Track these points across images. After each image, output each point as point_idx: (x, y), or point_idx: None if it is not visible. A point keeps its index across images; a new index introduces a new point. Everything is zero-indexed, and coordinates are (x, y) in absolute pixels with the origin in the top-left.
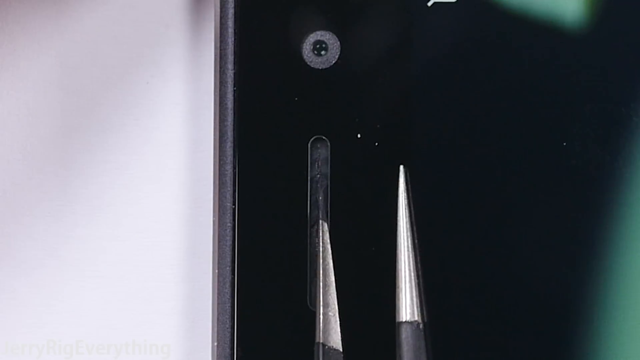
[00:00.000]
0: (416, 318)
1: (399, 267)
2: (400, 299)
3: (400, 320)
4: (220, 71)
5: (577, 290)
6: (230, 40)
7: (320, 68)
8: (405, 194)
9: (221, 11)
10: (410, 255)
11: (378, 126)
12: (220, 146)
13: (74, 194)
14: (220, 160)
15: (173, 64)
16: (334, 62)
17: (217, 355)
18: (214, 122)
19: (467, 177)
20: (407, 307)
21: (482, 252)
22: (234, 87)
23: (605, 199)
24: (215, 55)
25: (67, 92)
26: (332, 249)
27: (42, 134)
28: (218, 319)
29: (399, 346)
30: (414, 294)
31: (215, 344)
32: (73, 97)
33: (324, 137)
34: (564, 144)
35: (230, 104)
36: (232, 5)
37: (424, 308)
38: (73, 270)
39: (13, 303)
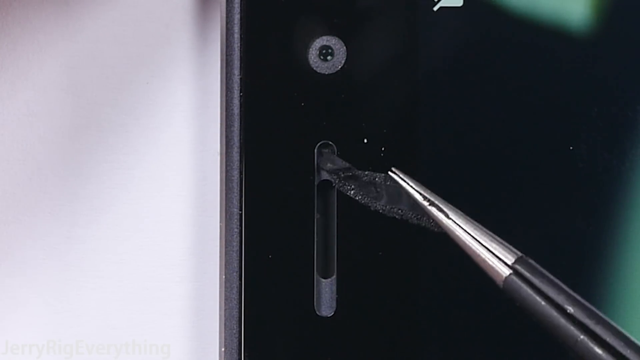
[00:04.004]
0: (508, 270)
1: (461, 240)
2: (486, 263)
3: (502, 278)
4: (226, 77)
5: (585, 294)
6: (237, 45)
7: (326, 73)
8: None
9: (227, 17)
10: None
11: (384, 131)
12: (226, 151)
13: (74, 194)
14: (226, 165)
15: (173, 64)
16: (340, 67)
17: None
18: (220, 128)
19: (474, 181)
20: (497, 264)
21: None
22: (240, 92)
23: (612, 202)
24: (221, 60)
25: (67, 92)
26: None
27: (42, 134)
28: (225, 324)
29: (516, 300)
30: (495, 248)
31: (223, 349)
32: (73, 97)
33: (330, 142)
34: (571, 147)
35: (236, 109)
36: (238, 11)
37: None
38: (73, 270)
39: (13, 303)
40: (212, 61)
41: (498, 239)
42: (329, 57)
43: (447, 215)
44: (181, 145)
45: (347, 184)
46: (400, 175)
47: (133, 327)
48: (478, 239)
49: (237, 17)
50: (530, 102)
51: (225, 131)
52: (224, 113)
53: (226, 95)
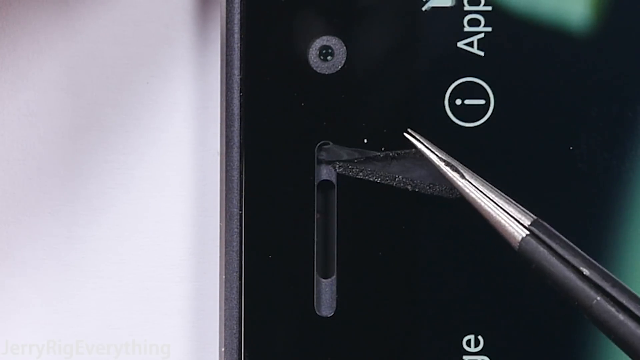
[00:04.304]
0: (525, 231)
1: (476, 201)
2: (502, 224)
3: (518, 239)
4: (226, 77)
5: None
6: (237, 45)
7: (326, 73)
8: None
9: (227, 17)
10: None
11: (384, 131)
12: (226, 151)
13: (74, 194)
14: (226, 165)
15: (173, 64)
16: (340, 67)
17: None
18: (221, 128)
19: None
20: (514, 226)
21: (488, 255)
22: (240, 92)
23: (612, 202)
24: (221, 60)
25: (67, 92)
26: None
27: (42, 134)
28: (225, 324)
29: (532, 262)
30: (511, 210)
31: (223, 349)
32: (73, 97)
33: (330, 142)
34: (571, 147)
35: (236, 109)
36: (238, 11)
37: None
38: (73, 270)
39: (13, 303)
40: (212, 61)
41: (514, 202)
42: (329, 57)
43: (462, 176)
44: (181, 145)
45: (365, 168)
46: (416, 137)
47: (133, 327)
48: (494, 200)
49: (237, 17)
50: (530, 102)
51: (225, 131)
52: (224, 113)
53: (226, 95)
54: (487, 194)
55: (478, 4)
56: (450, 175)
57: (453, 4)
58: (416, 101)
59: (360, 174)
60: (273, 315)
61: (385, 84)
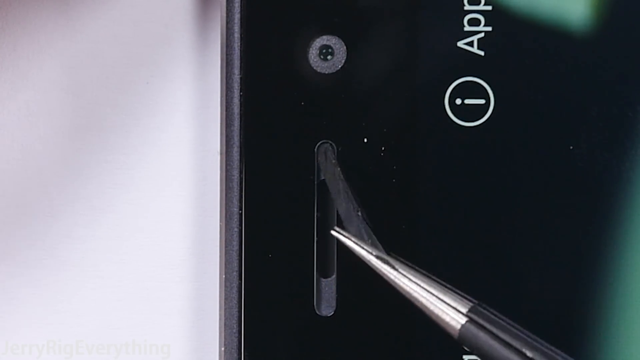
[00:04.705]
0: (463, 318)
1: (411, 293)
2: (438, 314)
3: (457, 328)
4: (226, 76)
5: (584, 294)
6: (237, 45)
7: (326, 73)
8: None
9: (227, 16)
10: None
11: (385, 131)
12: (227, 151)
13: (74, 194)
14: (227, 165)
15: (173, 64)
16: (340, 66)
17: None
18: (221, 127)
19: (474, 180)
20: (450, 313)
21: (489, 256)
22: (240, 92)
23: (612, 202)
24: (221, 60)
25: (67, 92)
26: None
27: (42, 134)
28: (225, 323)
29: (474, 349)
30: (447, 298)
31: (223, 348)
32: (73, 97)
33: (330, 142)
34: (571, 147)
35: (236, 109)
36: (238, 11)
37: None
38: (73, 270)
39: (13, 303)
40: (212, 61)
41: (451, 288)
42: (329, 57)
43: (394, 268)
44: (181, 145)
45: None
46: (343, 234)
47: (133, 327)
48: (429, 290)
49: (237, 16)
50: (530, 102)
51: (226, 131)
52: (224, 113)
53: (226, 95)
54: (422, 285)
55: (478, 3)
56: (381, 268)
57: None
58: (416, 101)
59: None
60: (273, 315)
61: (386, 83)
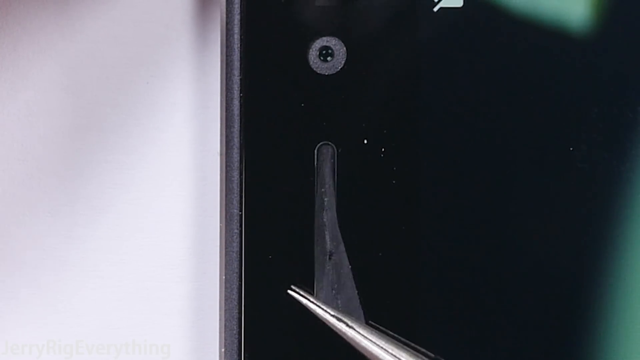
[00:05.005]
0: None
1: (368, 350)
2: None
3: None
4: (226, 77)
5: (585, 294)
6: (237, 46)
7: (326, 74)
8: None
9: (227, 17)
10: None
11: (385, 132)
12: (226, 152)
13: (74, 194)
14: (226, 166)
15: (173, 64)
16: (340, 67)
17: None
18: (221, 128)
19: (475, 182)
20: None
21: (489, 256)
22: (240, 93)
23: (612, 203)
24: (221, 61)
25: (67, 92)
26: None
27: (42, 134)
28: (225, 324)
29: None
30: (404, 355)
31: (223, 349)
32: (73, 97)
33: (330, 143)
34: (571, 148)
35: (236, 110)
36: (238, 12)
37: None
38: (73, 270)
39: (13, 303)
40: (212, 61)
41: (409, 346)
42: (328, 58)
43: (350, 327)
44: (181, 145)
45: None
46: (301, 293)
47: (133, 327)
48: (387, 349)
49: (237, 17)
50: (531, 103)
51: (225, 131)
52: (224, 113)
53: (226, 96)
54: (378, 343)
55: None
56: (338, 327)
57: (461, 5)
58: (416, 102)
59: None
60: (273, 315)
61: (385, 84)
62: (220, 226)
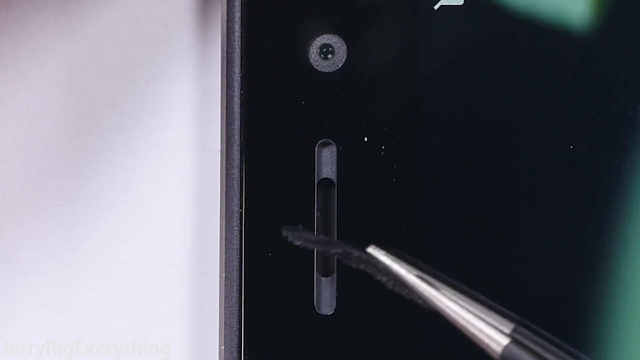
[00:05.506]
0: (505, 339)
1: (451, 314)
2: (479, 335)
3: (499, 349)
4: (227, 75)
5: (585, 293)
6: (237, 44)
7: (327, 72)
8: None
9: (228, 15)
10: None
11: (385, 129)
12: (227, 150)
13: (74, 194)
14: (227, 163)
15: (173, 64)
16: (340, 65)
17: (225, 359)
18: (221, 126)
19: (475, 180)
20: (492, 334)
21: (489, 256)
22: (241, 90)
23: (612, 202)
24: (222, 58)
25: (67, 92)
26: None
27: (42, 134)
28: (225, 322)
29: None
30: (488, 319)
31: (223, 347)
32: (73, 97)
33: (331, 141)
34: (571, 147)
35: (237, 107)
36: (239, 9)
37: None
38: (73, 270)
39: (13, 303)
40: (213, 60)
41: (494, 306)
42: (329, 56)
43: (435, 288)
44: (181, 145)
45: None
46: (382, 252)
47: (133, 327)
48: (470, 310)
49: (237, 15)
50: (531, 102)
51: (226, 129)
52: (225, 111)
53: (227, 94)
54: (462, 305)
55: None
56: (421, 288)
57: (461, 3)
58: (417, 100)
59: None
60: (273, 315)
61: (386, 82)
62: (221, 223)
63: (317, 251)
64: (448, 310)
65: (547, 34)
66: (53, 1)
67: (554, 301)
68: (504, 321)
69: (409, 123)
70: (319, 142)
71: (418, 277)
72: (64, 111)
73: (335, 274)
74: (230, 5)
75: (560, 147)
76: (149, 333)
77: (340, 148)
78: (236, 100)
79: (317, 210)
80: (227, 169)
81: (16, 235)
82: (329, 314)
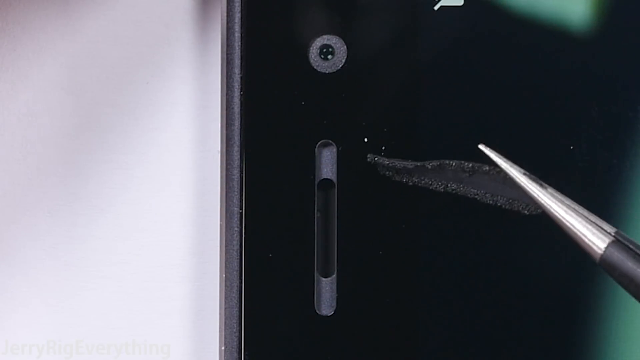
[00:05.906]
0: (606, 240)
1: (557, 214)
2: (582, 237)
3: (600, 251)
4: (227, 75)
5: (584, 293)
6: (237, 44)
7: (326, 72)
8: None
9: (228, 15)
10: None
11: (385, 130)
12: (227, 150)
13: (74, 194)
14: (227, 164)
15: (173, 64)
16: (340, 66)
17: (225, 359)
18: (221, 126)
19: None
20: (595, 235)
21: (488, 255)
22: (241, 91)
23: (612, 202)
24: (222, 59)
25: (67, 92)
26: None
27: (42, 134)
28: (225, 322)
29: (615, 271)
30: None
31: (223, 348)
32: (73, 97)
33: (330, 141)
34: (571, 147)
35: (237, 108)
36: (239, 9)
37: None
38: (73, 270)
39: (13, 303)
40: (213, 61)
41: (594, 215)
42: (329, 56)
43: (543, 188)
44: (181, 145)
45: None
46: (492, 150)
47: (133, 327)
48: (575, 212)
49: (237, 15)
50: (531, 102)
51: (226, 130)
52: (225, 112)
53: (227, 94)
54: (568, 206)
55: None
56: (530, 187)
57: (461, 3)
58: (417, 100)
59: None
60: (273, 314)
61: (386, 82)
62: (221, 224)
63: (317, 251)
64: (554, 209)
65: (547, 34)
66: (53, 1)
67: (554, 301)
68: (605, 224)
69: (409, 123)
70: (319, 143)
71: (528, 176)
72: (64, 111)
73: (335, 275)
74: (230, 5)
75: (560, 147)
76: (149, 333)
77: (340, 148)
78: (236, 100)
79: (317, 210)
80: (227, 169)
81: (16, 235)
82: (329, 314)
